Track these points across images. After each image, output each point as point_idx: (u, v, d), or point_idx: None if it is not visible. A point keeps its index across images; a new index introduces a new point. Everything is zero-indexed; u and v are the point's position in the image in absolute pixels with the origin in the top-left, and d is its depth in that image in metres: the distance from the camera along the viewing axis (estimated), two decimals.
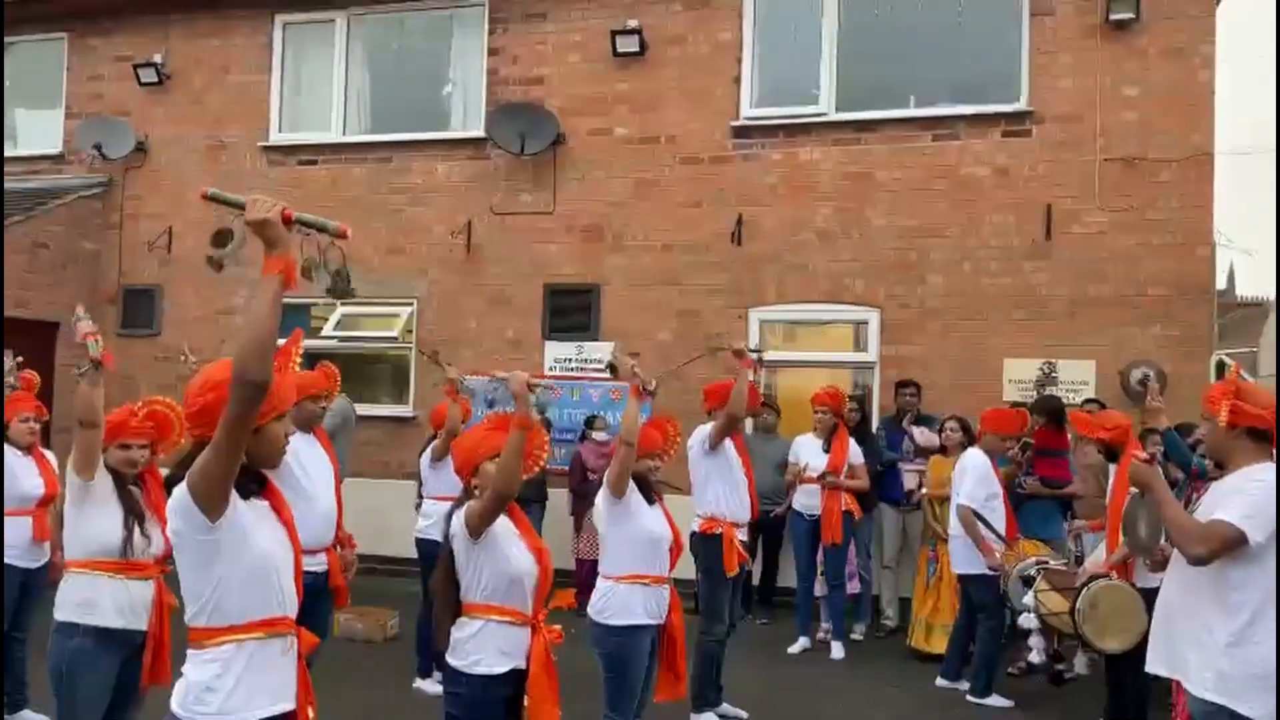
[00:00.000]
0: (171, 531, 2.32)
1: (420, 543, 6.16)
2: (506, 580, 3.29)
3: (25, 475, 4.88)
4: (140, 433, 3.77)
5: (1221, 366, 8.62)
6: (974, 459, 6.30)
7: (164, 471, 3.74)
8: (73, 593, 3.66)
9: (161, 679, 3.62)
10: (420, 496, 6.45)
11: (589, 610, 4.32)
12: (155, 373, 10.13)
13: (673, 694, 4.38)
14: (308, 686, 2.49)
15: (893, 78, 8.99)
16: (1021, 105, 8.49)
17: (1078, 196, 8.31)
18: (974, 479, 6.18)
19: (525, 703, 3.28)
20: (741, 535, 5.66)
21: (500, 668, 3.27)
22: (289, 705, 2.41)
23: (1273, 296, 39.80)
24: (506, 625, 3.31)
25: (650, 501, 4.34)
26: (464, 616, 3.32)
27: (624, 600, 4.17)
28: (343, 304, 10.05)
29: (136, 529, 3.66)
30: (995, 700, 6.05)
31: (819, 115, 8.97)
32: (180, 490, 2.26)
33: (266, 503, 2.48)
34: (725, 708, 5.66)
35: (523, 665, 3.31)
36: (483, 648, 3.27)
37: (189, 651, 2.37)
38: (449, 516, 3.42)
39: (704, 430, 5.68)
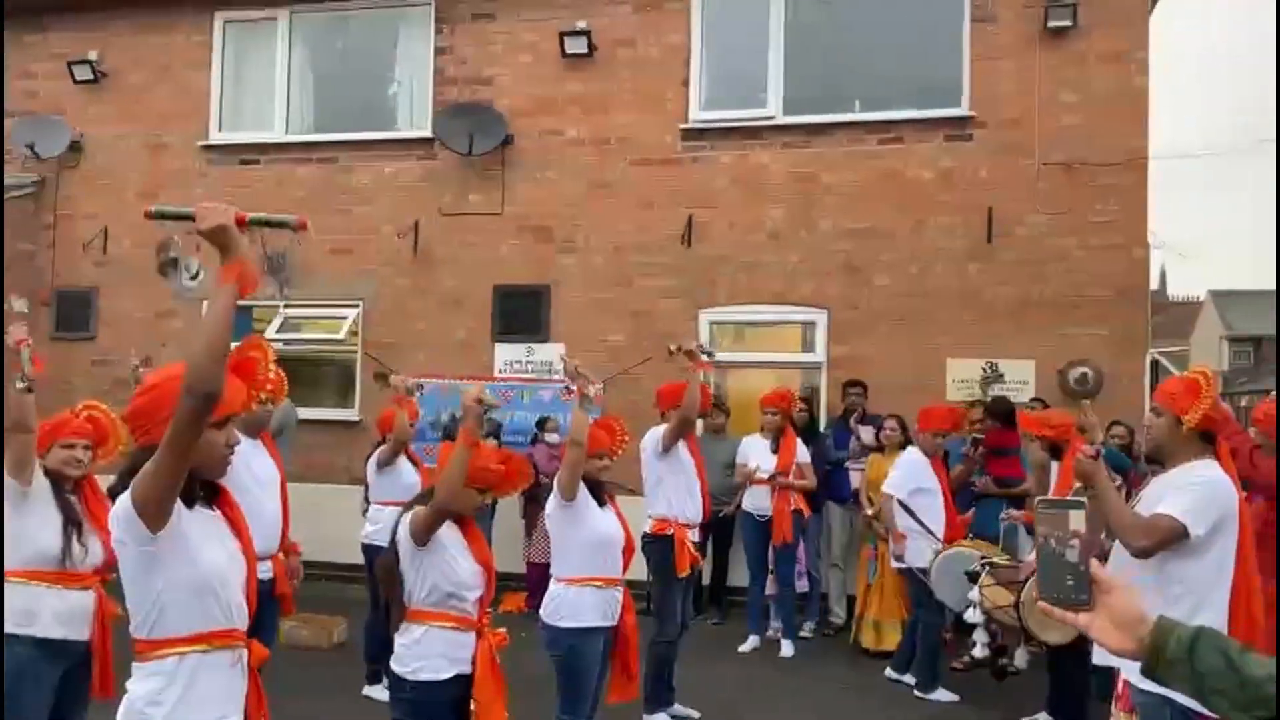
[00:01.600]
0: (114, 541, 2.25)
1: (367, 548, 6.08)
2: (450, 588, 3.30)
3: None
4: (81, 432, 3.68)
5: (1156, 365, 8.87)
6: (907, 456, 6.47)
7: (101, 479, 3.69)
8: (12, 603, 3.55)
9: (108, 692, 3.54)
10: (367, 502, 6.37)
11: (541, 612, 4.31)
12: (91, 378, 9.88)
13: (625, 695, 4.38)
14: (261, 699, 2.42)
15: (840, 82, 9.09)
16: (964, 110, 8.65)
17: (1019, 200, 8.48)
18: (900, 472, 6.33)
19: (472, 707, 3.27)
20: (693, 536, 5.68)
21: (444, 673, 3.28)
22: (236, 719, 2.34)
23: (1203, 296, 41.03)
24: (450, 631, 3.31)
25: (601, 503, 4.34)
26: (407, 622, 3.31)
27: (575, 602, 4.17)
28: (286, 305, 9.89)
29: (75, 538, 3.56)
30: (941, 695, 6.15)
31: (768, 119, 9.04)
32: (124, 499, 2.19)
33: (218, 512, 2.41)
34: (677, 708, 5.67)
35: (468, 670, 3.31)
36: (426, 654, 3.28)
37: (133, 664, 2.31)
38: (398, 520, 3.41)
39: (657, 432, 5.69)
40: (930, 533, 6.20)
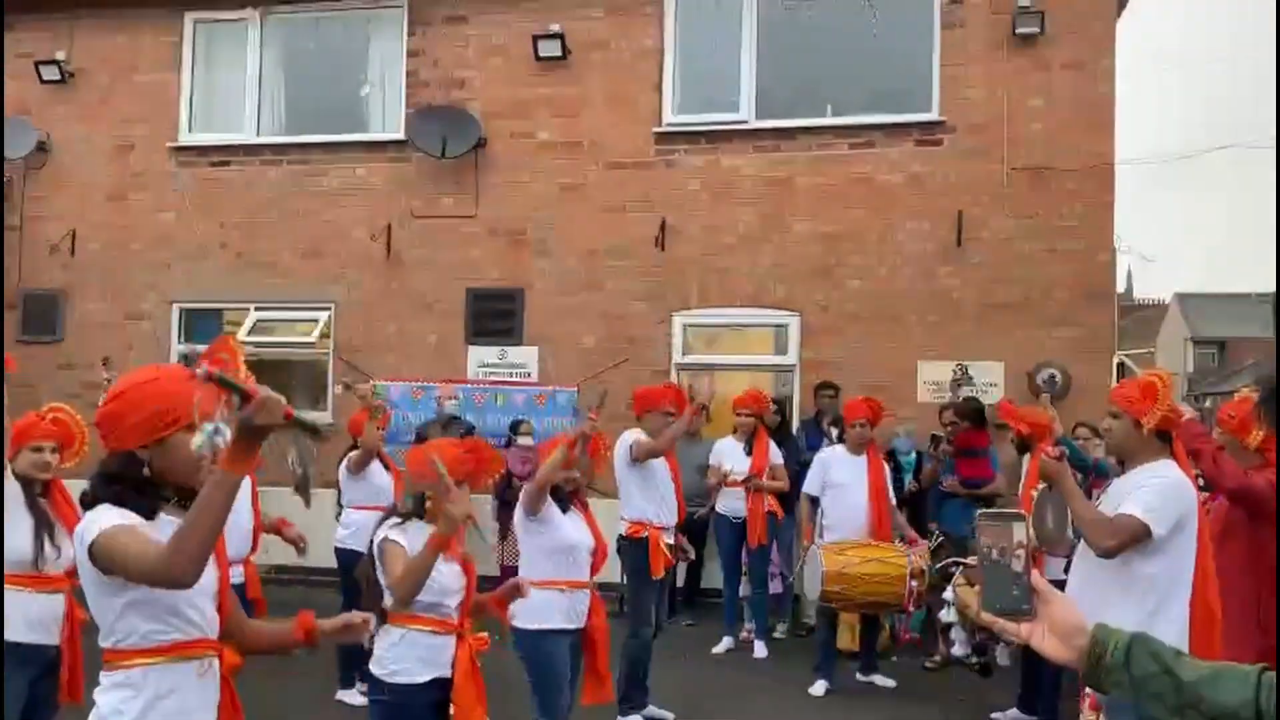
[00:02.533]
0: (76, 558, 2.21)
1: (340, 553, 6.05)
2: (431, 597, 3.30)
3: None
4: (50, 434, 3.65)
5: (1122, 367, 9.01)
6: (820, 453, 6.55)
7: (66, 482, 3.66)
8: None
9: (77, 697, 3.50)
10: (340, 506, 6.34)
11: (508, 615, 4.32)
12: (58, 381, 9.73)
13: (598, 697, 4.39)
14: (235, 708, 2.37)
15: (811, 87, 9.17)
16: (933, 115, 8.75)
17: (986, 204, 8.59)
18: (812, 470, 6.40)
19: (451, 710, 3.28)
20: (668, 538, 5.70)
21: (422, 676, 3.29)
22: None
23: (1168, 299, 41.62)
24: (429, 634, 3.32)
25: (566, 509, 4.34)
26: (387, 625, 3.31)
27: (540, 605, 4.16)
28: (257, 308, 9.83)
29: (47, 539, 3.54)
30: (878, 679, 6.34)
31: (740, 122, 9.10)
32: (87, 535, 2.13)
33: None
34: (652, 709, 5.68)
35: (448, 673, 3.31)
36: (404, 657, 3.29)
37: (101, 673, 2.26)
38: (375, 528, 3.42)
39: (629, 437, 5.70)
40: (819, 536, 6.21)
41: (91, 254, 10.05)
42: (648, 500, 5.66)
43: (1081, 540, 3.53)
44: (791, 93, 9.14)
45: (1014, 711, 5.74)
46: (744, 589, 7.42)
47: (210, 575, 2.29)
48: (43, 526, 3.56)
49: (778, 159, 9.00)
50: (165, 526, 2.21)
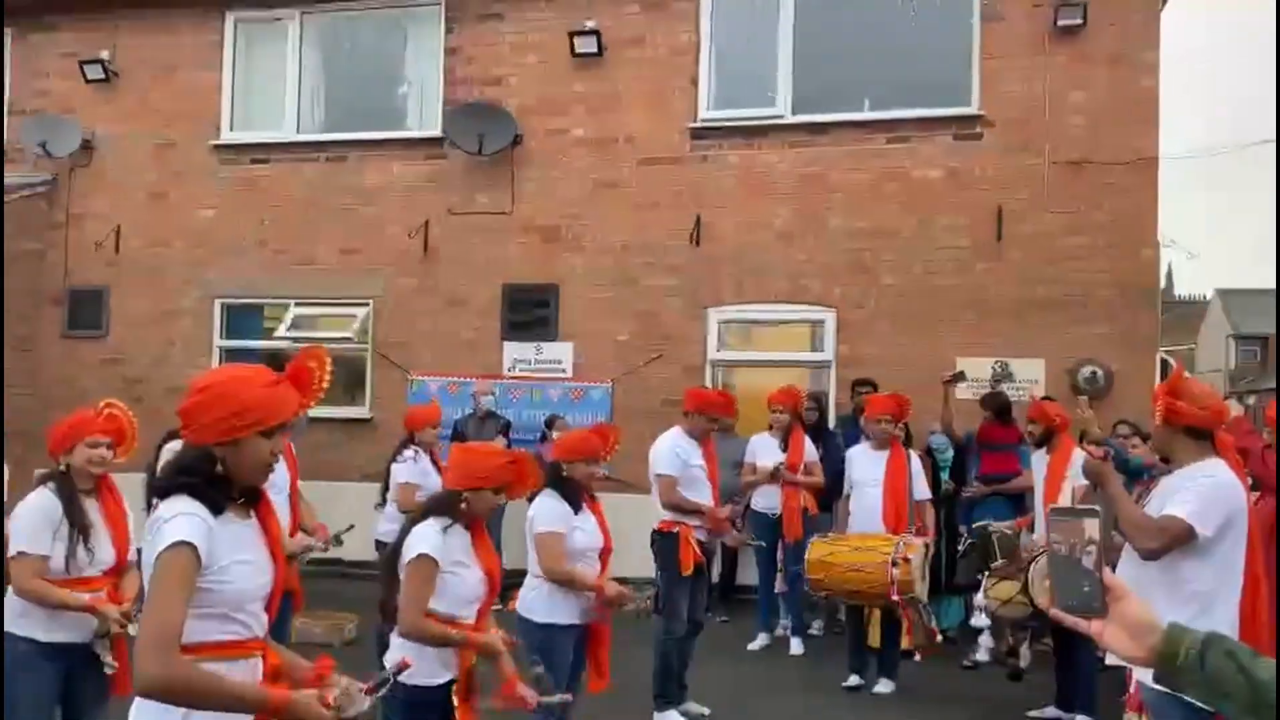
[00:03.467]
0: (142, 556, 2.22)
1: (380, 545, 6.10)
2: (451, 611, 3.33)
3: None
4: (105, 430, 3.68)
5: (1165, 365, 8.88)
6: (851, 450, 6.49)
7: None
8: (15, 603, 3.55)
9: (123, 689, 3.55)
10: (384, 498, 6.38)
11: (517, 606, 4.37)
12: (102, 375, 9.93)
13: (597, 686, 4.40)
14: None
15: (848, 81, 9.11)
16: (973, 109, 8.65)
17: (1027, 199, 8.49)
18: (846, 468, 6.37)
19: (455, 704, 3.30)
20: (700, 535, 5.70)
21: (439, 678, 3.30)
22: None
23: (1210, 295, 40.93)
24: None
25: (578, 510, 4.33)
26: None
27: (548, 601, 4.22)
28: (297, 304, 9.94)
29: (81, 543, 3.50)
30: (882, 685, 6.21)
31: (776, 118, 9.06)
32: (160, 529, 2.14)
33: (253, 519, 2.33)
34: (689, 705, 5.70)
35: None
36: (421, 657, 3.25)
37: None
38: (406, 527, 3.42)
39: (669, 440, 5.72)
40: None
41: (134, 251, 10.21)
42: (685, 493, 5.64)
43: (1126, 542, 3.48)
44: (828, 87, 9.08)
45: (1051, 709, 5.69)
46: (779, 585, 7.40)
47: (266, 576, 2.31)
48: (76, 530, 3.52)
49: (814, 154, 8.96)
50: (225, 526, 2.23)
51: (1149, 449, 5.34)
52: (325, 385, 2.40)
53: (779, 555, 7.33)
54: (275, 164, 10.09)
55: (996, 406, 7.32)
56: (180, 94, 10.29)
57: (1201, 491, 3.25)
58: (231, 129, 10.29)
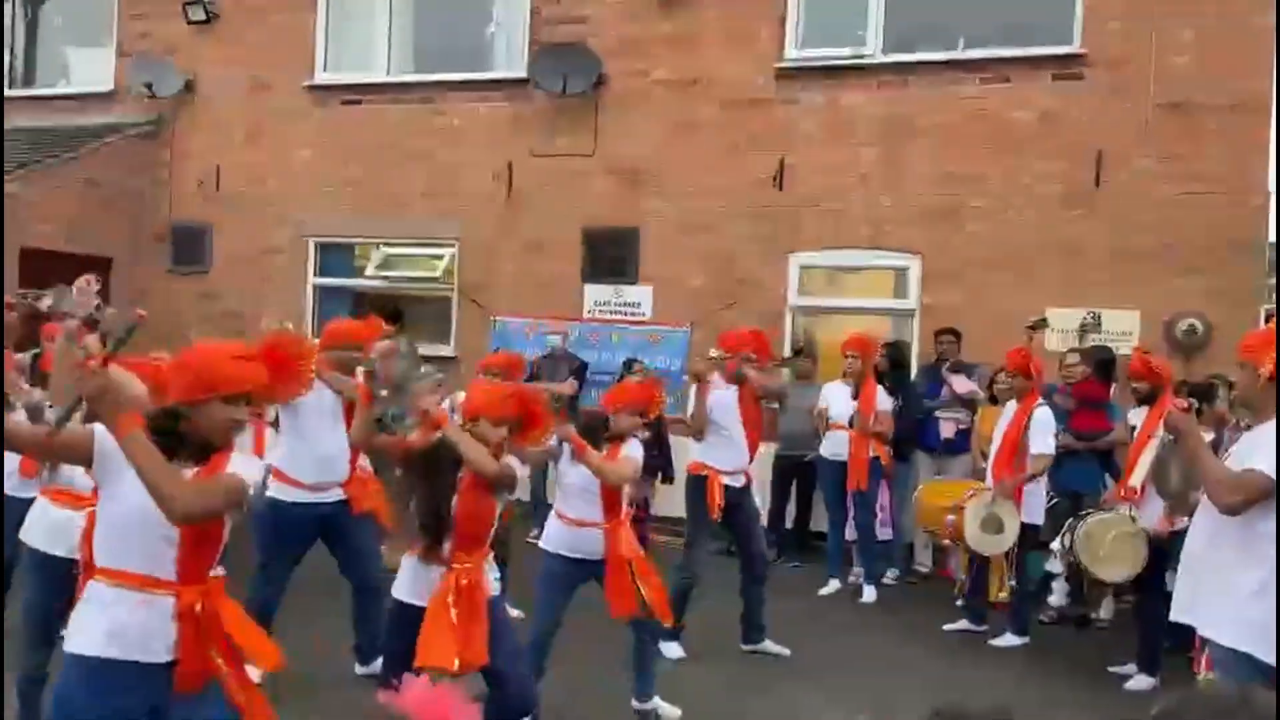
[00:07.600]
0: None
1: None
2: None
3: None
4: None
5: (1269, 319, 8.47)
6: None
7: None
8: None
9: None
10: None
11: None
12: (203, 309, 10.36)
13: (624, 610, 4.51)
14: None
15: (943, 19, 8.80)
16: (1073, 48, 8.28)
17: (1126, 144, 8.13)
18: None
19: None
20: (732, 481, 5.74)
21: (421, 600, 3.63)
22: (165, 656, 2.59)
23: None
24: (424, 565, 3.67)
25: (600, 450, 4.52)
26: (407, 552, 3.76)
27: (552, 532, 4.65)
28: (385, 244, 10.17)
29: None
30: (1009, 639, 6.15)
31: (864, 57, 8.82)
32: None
33: (194, 471, 2.64)
34: (768, 644, 5.84)
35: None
36: (405, 579, 3.74)
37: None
38: None
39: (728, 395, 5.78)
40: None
41: (234, 190, 10.55)
42: (710, 444, 5.76)
43: (1204, 496, 3.39)
44: (921, 25, 8.79)
45: (1131, 666, 5.60)
46: (849, 533, 7.39)
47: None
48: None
49: (901, 95, 8.71)
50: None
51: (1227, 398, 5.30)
52: (309, 375, 2.85)
53: (848, 502, 7.30)
54: (365, 105, 10.26)
55: (1099, 361, 7.07)
56: (276, 35, 10.50)
57: None
58: (325, 70, 10.48)
